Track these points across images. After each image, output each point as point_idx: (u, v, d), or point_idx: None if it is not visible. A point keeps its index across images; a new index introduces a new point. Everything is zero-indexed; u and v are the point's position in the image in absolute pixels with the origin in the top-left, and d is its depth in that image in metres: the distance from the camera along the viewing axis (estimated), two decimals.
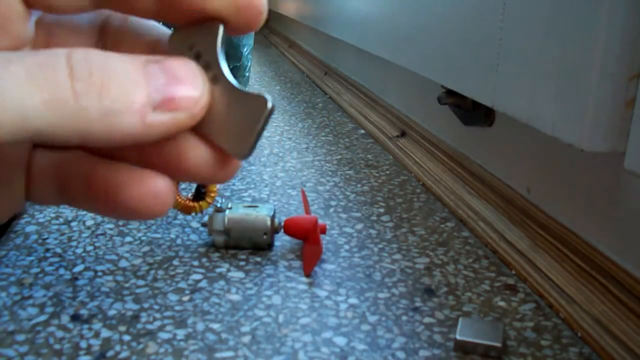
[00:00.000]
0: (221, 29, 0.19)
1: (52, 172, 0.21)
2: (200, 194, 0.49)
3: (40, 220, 0.54)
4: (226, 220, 0.49)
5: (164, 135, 0.18)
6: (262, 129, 0.19)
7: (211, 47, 0.19)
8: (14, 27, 0.18)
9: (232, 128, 0.19)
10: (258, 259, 0.48)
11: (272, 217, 0.49)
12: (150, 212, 0.19)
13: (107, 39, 0.21)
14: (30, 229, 0.53)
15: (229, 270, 0.47)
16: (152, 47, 0.21)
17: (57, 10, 0.19)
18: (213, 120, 0.19)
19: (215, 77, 0.19)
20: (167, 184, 0.19)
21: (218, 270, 0.47)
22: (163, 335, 0.38)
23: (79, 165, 0.20)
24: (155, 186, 0.19)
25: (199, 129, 0.19)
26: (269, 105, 0.18)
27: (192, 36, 0.19)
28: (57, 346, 0.37)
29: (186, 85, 0.18)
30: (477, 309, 0.42)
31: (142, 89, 0.17)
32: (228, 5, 0.19)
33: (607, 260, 0.41)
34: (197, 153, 0.19)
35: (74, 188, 0.20)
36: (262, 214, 0.49)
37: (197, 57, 0.19)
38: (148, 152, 0.19)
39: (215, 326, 0.40)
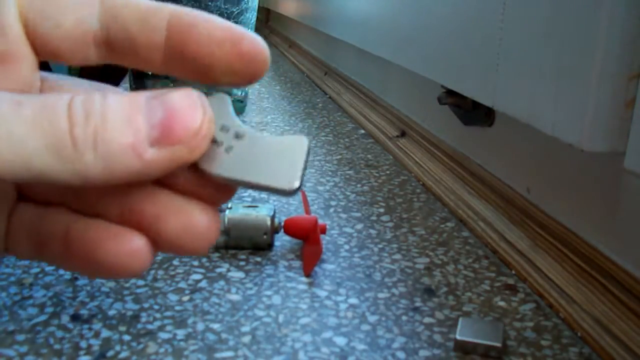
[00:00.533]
0: (228, 98, 0.20)
1: (30, 227, 0.21)
2: None
3: None
4: (226, 220, 0.49)
5: (166, 171, 0.18)
6: (306, 161, 0.19)
7: (224, 112, 0.19)
8: (22, 73, 0.19)
9: (276, 168, 0.19)
10: (258, 259, 0.48)
11: (272, 217, 0.49)
12: (127, 271, 0.19)
13: None
14: None
15: (229, 270, 0.47)
16: None
17: (63, 59, 0.19)
18: (250, 168, 0.19)
19: (237, 133, 0.19)
20: (144, 244, 0.19)
21: (218, 270, 0.47)
22: (163, 335, 0.38)
23: (57, 221, 0.20)
24: (132, 245, 0.19)
25: (230, 179, 0.19)
26: (306, 139, 0.19)
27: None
28: (57, 346, 0.37)
29: (183, 118, 0.17)
30: (477, 309, 0.42)
31: (138, 127, 0.17)
32: (232, 55, 0.19)
33: (607, 260, 0.41)
34: (178, 219, 0.19)
35: (52, 244, 0.20)
36: (262, 214, 0.49)
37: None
38: (129, 211, 0.19)
39: (215, 326, 0.40)
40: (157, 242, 0.19)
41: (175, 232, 0.19)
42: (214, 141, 0.19)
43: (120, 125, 0.17)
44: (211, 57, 0.19)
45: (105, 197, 0.20)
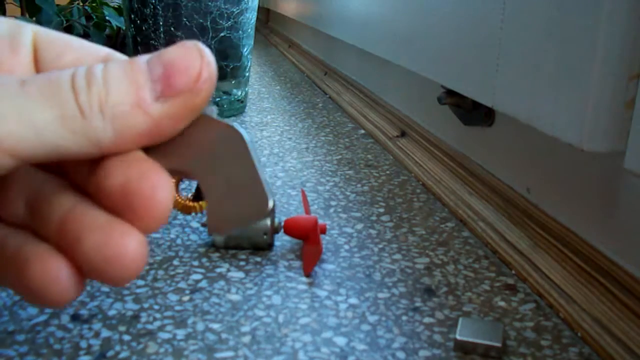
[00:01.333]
0: (213, 110, 0.19)
1: None
2: (200, 194, 0.49)
3: None
4: None
5: (180, 122, 0.18)
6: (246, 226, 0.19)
7: (239, 145, 0.19)
8: None
9: (225, 205, 0.19)
10: (258, 259, 0.48)
11: (272, 217, 0.49)
12: (47, 299, 0.18)
13: None
14: None
15: (229, 270, 0.47)
16: None
17: None
18: (218, 186, 0.19)
19: (239, 153, 0.19)
20: (64, 267, 0.18)
21: (218, 270, 0.47)
22: (163, 335, 0.38)
23: None
24: (52, 268, 0.17)
25: (201, 182, 0.19)
26: (270, 205, 0.19)
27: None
28: (57, 346, 0.37)
29: (182, 66, 0.18)
30: (477, 309, 0.42)
31: (140, 85, 0.17)
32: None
33: (607, 260, 0.41)
34: (94, 238, 0.17)
35: None
36: None
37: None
38: (60, 227, 0.18)
39: (215, 326, 0.40)
40: (78, 266, 0.18)
41: (90, 254, 0.17)
42: None
43: (122, 87, 0.17)
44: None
45: (41, 206, 0.18)
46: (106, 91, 0.17)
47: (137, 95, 0.17)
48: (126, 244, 0.17)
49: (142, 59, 0.18)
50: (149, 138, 0.18)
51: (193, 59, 0.18)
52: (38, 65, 0.20)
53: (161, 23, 0.87)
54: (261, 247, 0.50)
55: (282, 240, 0.52)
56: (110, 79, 0.17)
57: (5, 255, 0.18)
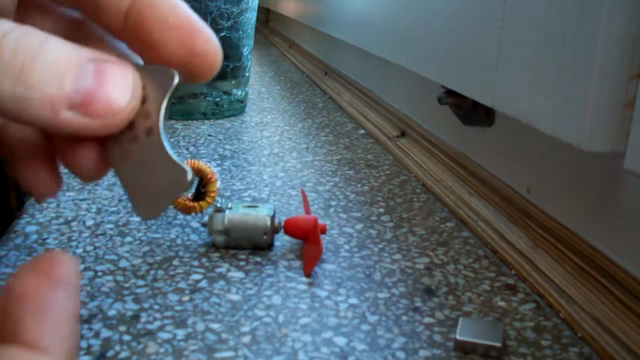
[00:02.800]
0: (175, 81, 0.19)
1: None
2: (200, 194, 0.49)
3: (40, 220, 0.54)
4: (226, 220, 0.49)
5: (73, 135, 0.18)
6: (173, 200, 0.19)
7: (158, 97, 0.18)
8: None
9: (146, 188, 0.18)
10: (258, 259, 0.48)
11: (272, 217, 0.49)
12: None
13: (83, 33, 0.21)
14: (30, 229, 0.53)
15: (229, 270, 0.47)
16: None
17: None
18: (133, 171, 0.18)
19: (151, 129, 0.18)
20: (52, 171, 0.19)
21: (218, 270, 0.47)
22: (163, 335, 0.38)
23: None
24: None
25: (116, 169, 0.19)
26: (189, 177, 0.18)
27: (146, 77, 0.19)
28: None
29: (109, 95, 0.17)
30: (477, 309, 0.42)
31: (63, 85, 0.17)
32: (182, 49, 0.19)
33: (607, 260, 0.41)
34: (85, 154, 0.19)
35: None
36: (262, 214, 0.49)
37: (142, 101, 0.18)
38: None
39: (215, 326, 0.40)
40: None
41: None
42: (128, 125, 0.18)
43: (47, 76, 0.16)
44: (160, 43, 0.19)
45: None
46: (30, 70, 0.16)
47: (56, 94, 0.17)
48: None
49: (85, 54, 0.17)
50: (41, 127, 0.17)
51: (124, 93, 0.17)
52: None
53: None
54: (261, 247, 0.50)
55: (282, 240, 0.52)
56: (39, 60, 0.16)
57: None
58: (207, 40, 0.19)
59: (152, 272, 0.46)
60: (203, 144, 0.80)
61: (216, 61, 0.19)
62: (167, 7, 0.19)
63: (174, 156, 0.18)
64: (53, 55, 0.17)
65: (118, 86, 0.17)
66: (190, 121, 0.92)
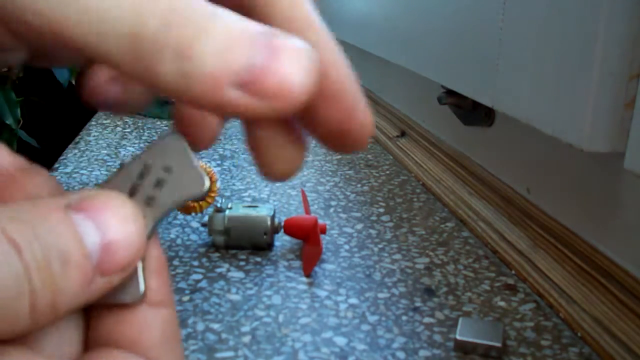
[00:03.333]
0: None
1: None
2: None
3: None
4: (226, 220, 0.49)
5: (240, 117, 0.16)
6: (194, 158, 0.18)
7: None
8: None
9: (181, 182, 0.17)
10: (258, 259, 0.48)
11: (272, 217, 0.49)
12: None
13: None
14: None
15: (229, 270, 0.47)
16: None
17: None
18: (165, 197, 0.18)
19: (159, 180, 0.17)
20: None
21: (218, 270, 0.47)
22: None
23: None
24: None
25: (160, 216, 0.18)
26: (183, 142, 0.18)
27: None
28: None
29: (282, 73, 0.15)
30: (477, 309, 0.42)
31: (230, 60, 0.15)
32: (336, 129, 0.18)
33: (607, 260, 0.41)
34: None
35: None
36: (262, 214, 0.49)
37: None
38: None
39: (215, 326, 0.40)
40: None
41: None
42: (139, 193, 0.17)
43: (212, 50, 0.14)
44: (317, 111, 0.18)
45: None
46: (197, 37, 0.14)
47: (220, 70, 0.15)
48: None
49: (257, 27, 0.15)
50: (213, 110, 0.16)
51: (296, 67, 0.15)
52: None
53: None
54: (261, 247, 0.50)
55: (282, 240, 0.52)
56: (212, 27, 0.15)
57: None
58: (362, 124, 0.18)
59: None
60: None
61: (366, 141, 0.18)
62: (344, 71, 0.17)
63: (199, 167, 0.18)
64: (221, 27, 0.15)
65: (292, 64, 0.15)
66: None
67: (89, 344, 0.16)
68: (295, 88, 0.15)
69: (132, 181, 0.17)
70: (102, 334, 0.16)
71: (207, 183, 0.17)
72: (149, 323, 0.17)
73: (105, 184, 0.17)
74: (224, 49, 0.15)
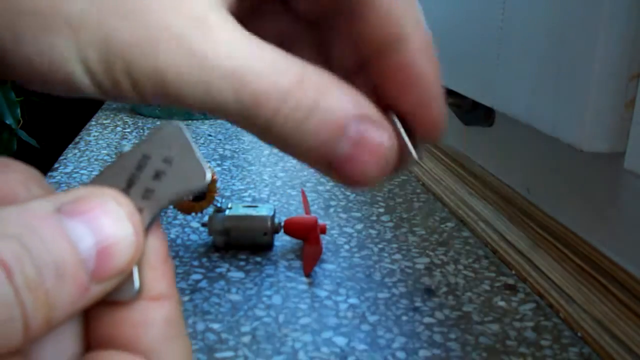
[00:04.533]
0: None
1: None
2: (200, 194, 0.49)
3: None
4: (226, 220, 0.49)
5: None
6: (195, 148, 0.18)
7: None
8: None
9: (182, 175, 0.17)
10: (258, 259, 0.48)
11: (272, 217, 0.49)
12: None
13: None
14: None
15: (229, 270, 0.47)
16: None
17: None
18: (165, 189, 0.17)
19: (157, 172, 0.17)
20: None
21: (218, 270, 0.47)
22: None
23: None
24: None
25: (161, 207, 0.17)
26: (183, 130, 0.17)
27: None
28: None
29: (362, 171, 0.17)
30: (477, 309, 0.42)
31: (322, 146, 0.17)
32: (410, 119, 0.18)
33: (607, 260, 0.41)
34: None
35: None
36: (262, 214, 0.49)
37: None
38: None
39: (215, 326, 0.40)
40: None
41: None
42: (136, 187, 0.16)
43: (311, 131, 0.16)
44: (394, 97, 0.19)
45: None
46: (307, 116, 0.16)
47: (316, 153, 0.17)
48: None
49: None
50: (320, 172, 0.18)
51: (374, 163, 0.16)
52: None
53: None
54: (261, 247, 0.50)
55: (282, 240, 0.52)
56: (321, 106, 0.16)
57: None
58: (436, 122, 0.18)
59: None
60: (203, 144, 0.80)
61: (440, 132, 0.19)
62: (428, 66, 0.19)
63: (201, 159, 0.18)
64: (325, 108, 0.16)
65: (371, 162, 0.17)
66: (190, 121, 0.92)
67: (89, 343, 0.16)
68: (369, 180, 0.17)
69: (129, 172, 0.16)
70: (102, 334, 0.16)
71: (208, 175, 0.17)
72: (149, 319, 0.16)
73: (101, 177, 0.16)
74: (320, 134, 0.17)
